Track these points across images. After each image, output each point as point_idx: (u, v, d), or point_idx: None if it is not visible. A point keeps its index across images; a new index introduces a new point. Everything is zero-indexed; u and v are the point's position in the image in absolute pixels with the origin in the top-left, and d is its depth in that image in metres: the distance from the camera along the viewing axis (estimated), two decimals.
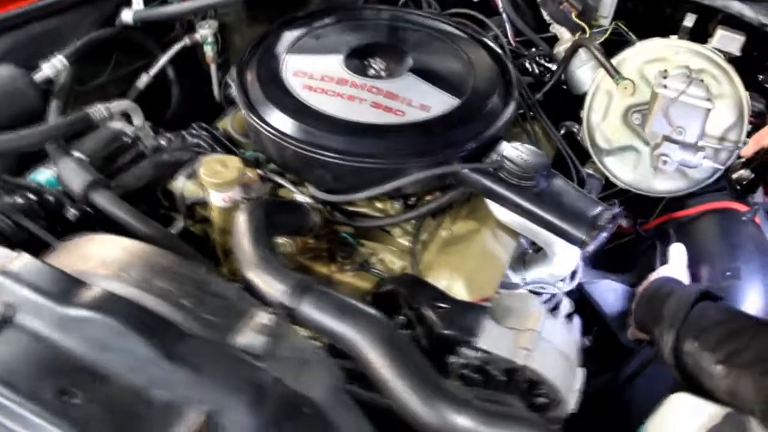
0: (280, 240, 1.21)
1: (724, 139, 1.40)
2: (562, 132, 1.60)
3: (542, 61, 1.65)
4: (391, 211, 1.27)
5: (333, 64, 1.31)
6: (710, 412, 0.90)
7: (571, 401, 0.99)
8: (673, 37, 1.42)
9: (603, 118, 1.48)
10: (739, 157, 1.32)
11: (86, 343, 0.72)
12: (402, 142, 1.18)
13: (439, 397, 0.80)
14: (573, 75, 1.55)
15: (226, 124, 1.39)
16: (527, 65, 1.65)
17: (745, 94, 1.38)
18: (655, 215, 1.53)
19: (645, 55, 1.41)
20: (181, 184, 1.27)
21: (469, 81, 1.30)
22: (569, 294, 1.43)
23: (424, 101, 1.24)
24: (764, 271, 1.20)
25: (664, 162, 1.26)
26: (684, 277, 1.23)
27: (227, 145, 1.35)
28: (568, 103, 1.59)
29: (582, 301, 1.47)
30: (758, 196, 1.35)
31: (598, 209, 1.13)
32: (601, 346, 1.39)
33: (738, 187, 1.17)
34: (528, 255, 1.43)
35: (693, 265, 1.31)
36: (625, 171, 1.50)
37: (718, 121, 1.39)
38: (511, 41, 1.61)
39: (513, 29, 1.62)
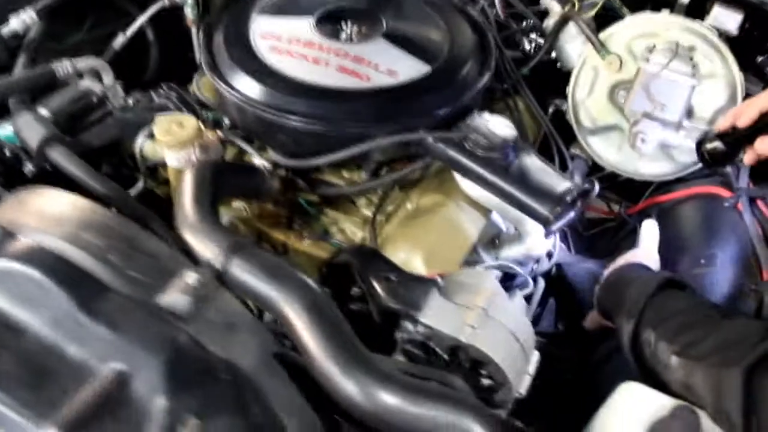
0: (236, 204, 1.17)
1: (714, 122, 1.32)
2: (551, 110, 1.54)
3: (533, 36, 1.57)
4: (357, 180, 1.22)
5: (303, 26, 1.26)
6: (660, 403, 0.85)
7: (521, 385, 0.94)
8: (665, 12, 1.34)
9: (588, 95, 1.41)
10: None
11: (7, 294, 0.69)
12: (364, 107, 1.13)
13: (362, 369, 0.75)
14: (563, 50, 1.49)
15: (196, 87, 1.34)
16: (518, 39, 1.58)
17: (739, 75, 1.30)
18: (643, 199, 1.46)
19: (634, 30, 1.34)
20: (140, 144, 1.23)
21: (443, 48, 1.24)
22: (545, 275, 1.38)
23: (393, 66, 1.18)
24: (739, 259, 1.13)
25: (642, 140, 1.20)
26: (654, 259, 1.16)
27: (195, 108, 1.31)
28: (559, 80, 1.52)
29: (560, 285, 1.41)
30: (742, 181, 1.27)
31: (567, 185, 1.07)
32: (577, 330, 1.33)
33: (709, 159, 1.10)
34: (503, 234, 1.38)
35: (671, 250, 1.24)
36: (609, 151, 1.43)
37: (709, 102, 1.32)
38: (500, 13, 1.54)
39: (503, 1, 1.55)
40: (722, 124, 1.09)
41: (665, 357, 0.89)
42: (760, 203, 1.21)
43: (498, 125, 1.10)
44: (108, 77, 1.45)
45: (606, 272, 1.13)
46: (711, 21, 1.34)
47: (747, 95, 1.34)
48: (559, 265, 1.40)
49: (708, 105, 1.32)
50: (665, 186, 1.43)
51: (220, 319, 0.81)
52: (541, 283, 1.27)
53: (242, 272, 0.83)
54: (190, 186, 0.98)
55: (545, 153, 1.44)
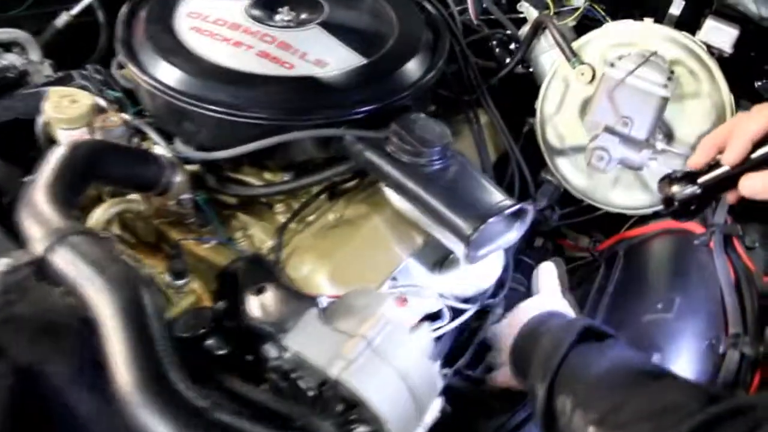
0: (132, 196, 1.03)
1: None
2: (526, 129, 1.38)
3: (512, 46, 1.42)
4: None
5: (235, 8, 1.13)
6: None
7: None
8: (648, 20, 1.17)
9: (557, 110, 1.24)
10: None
11: None
12: (278, 95, 0.99)
13: (164, 401, 0.60)
14: (537, 61, 1.33)
15: (115, 68, 1.21)
16: (496, 51, 1.42)
17: (729, 97, 1.12)
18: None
19: (611, 39, 1.17)
20: (41, 123, 1.10)
21: (386, 42, 1.09)
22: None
23: (323, 56, 1.04)
24: (702, 308, 0.94)
25: (600, 158, 1.02)
26: (561, 303, 0.97)
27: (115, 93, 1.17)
28: (534, 95, 1.36)
29: None
30: (719, 216, 1.08)
31: (498, 201, 0.90)
32: None
33: (678, 207, 0.86)
34: (449, 259, 1.21)
35: (628, 292, 1.06)
36: (578, 176, 1.26)
37: (692, 124, 1.14)
38: (473, 18, 1.39)
39: (477, 6, 1.40)
40: (696, 159, 0.84)
41: (581, 427, 0.71)
42: (737, 243, 1.01)
43: (429, 128, 0.95)
44: (35, 53, 1.34)
45: (511, 325, 0.95)
46: (702, 36, 1.17)
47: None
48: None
49: (691, 128, 1.14)
50: (643, 221, 1.25)
51: (32, 316, 0.67)
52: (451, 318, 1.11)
53: (62, 261, 0.69)
54: (54, 162, 0.84)
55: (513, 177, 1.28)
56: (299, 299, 0.80)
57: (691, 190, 0.84)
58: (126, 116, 1.07)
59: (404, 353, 0.78)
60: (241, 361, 0.82)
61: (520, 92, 1.37)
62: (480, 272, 1.14)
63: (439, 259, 1.21)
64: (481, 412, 1.03)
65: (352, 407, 0.73)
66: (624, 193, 1.22)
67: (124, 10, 1.14)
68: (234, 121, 0.97)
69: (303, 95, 0.99)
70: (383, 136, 0.96)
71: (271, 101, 0.98)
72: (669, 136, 1.14)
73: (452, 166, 0.95)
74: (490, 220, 0.87)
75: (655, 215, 1.22)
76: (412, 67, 1.07)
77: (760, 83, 1.21)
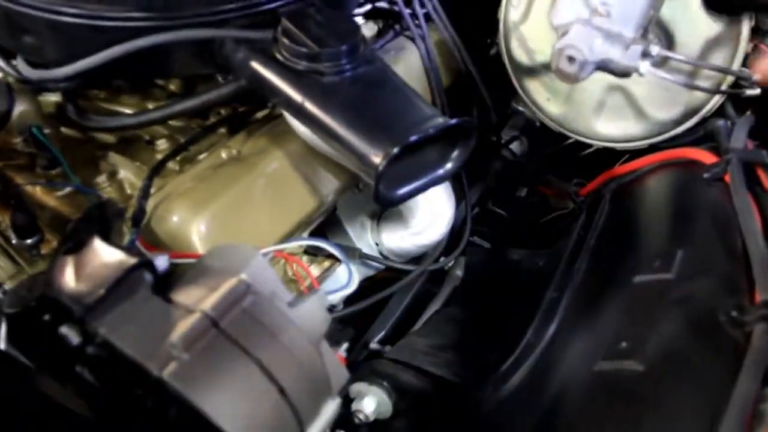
0: None
1: (706, 58, 0.89)
2: (494, 51, 1.12)
3: None
4: None
5: None
6: None
7: None
8: None
9: (524, 18, 0.98)
10: None
11: None
12: None
13: None
14: None
15: None
16: None
17: None
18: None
19: None
20: None
21: None
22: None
23: None
24: (712, 265, 0.67)
25: (570, 58, 0.75)
26: None
27: None
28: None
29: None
30: (737, 140, 0.82)
31: (425, 118, 0.65)
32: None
33: None
34: (385, 214, 0.97)
35: (618, 246, 0.80)
36: (553, 101, 1.01)
37: (696, 29, 0.88)
38: None
39: None
40: None
41: None
42: (762, 174, 0.75)
43: (331, 23, 0.69)
44: None
45: None
46: None
47: (757, 29, 0.89)
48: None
49: (696, 31, 0.87)
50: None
51: None
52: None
53: None
54: None
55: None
56: (123, 260, 0.55)
57: None
58: None
59: (275, 334, 0.54)
60: None
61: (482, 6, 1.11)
62: (421, 226, 0.90)
63: (377, 211, 0.97)
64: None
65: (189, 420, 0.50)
66: (612, 121, 0.97)
67: None
68: (84, 24, 0.72)
69: None
70: (271, 37, 0.70)
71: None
72: (669, 40, 0.87)
73: (364, 73, 0.69)
74: (410, 141, 0.62)
75: (651, 149, 0.96)
76: None
77: None
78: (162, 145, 0.86)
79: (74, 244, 0.58)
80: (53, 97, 0.87)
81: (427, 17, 1.03)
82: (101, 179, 0.82)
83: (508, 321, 0.86)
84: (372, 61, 0.71)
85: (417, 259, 0.98)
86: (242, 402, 0.50)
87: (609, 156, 1.05)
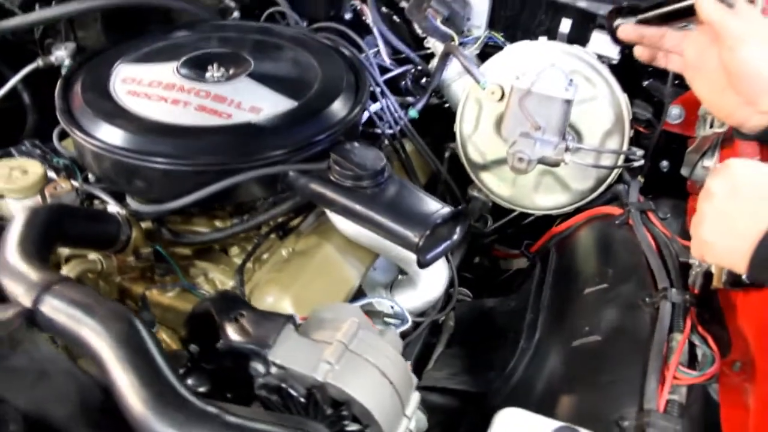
0: (91, 256, 1.06)
1: (603, 144, 1.29)
2: (447, 154, 1.49)
3: (422, 80, 1.54)
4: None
5: (166, 71, 1.19)
6: (540, 425, 0.77)
7: (396, 429, 0.83)
8: (543, 39, 1.31)
9: (474, 129, 1.36)
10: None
11: None
12: (222, 143, 1.05)
13: (177, 410, 0.64)
14: (449, 90, 1.45)
15: (56, 139, 1.25)
16: (406, 84, 1.54)
17: (623, 97, 1.27)
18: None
19: (514, 59, 1.31)
20: None
21: (312, 85, 1.18)
22: None
23: (256, 103, 1.12)
24: (631, 273, 1.05)
25: (520, 159, 1.13)
26: None
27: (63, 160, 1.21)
28: (451, 122, 1.48)
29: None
30: (632, 196, 1.22)
31: (437, 209, 1.00)
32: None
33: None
34: (396, 281, 1.29)
35: (570, 275, 1.17)
36: (502, 186, 1.38)
37: (595, 124, 1.28)
38: (386, 58, 1.50)
39: (388, 47, 1.52)
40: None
41: None
42: (652, 216, 1.14)
43: (364, 154, 1.04)
44: None
45: None
46: (592, 47, 1.32)
47: (635, 119, 1.31)
48: None
49: (595, 127, 1.28)
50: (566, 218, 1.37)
51: (28, 366, 0.71)
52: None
53: (51, 310, 0.73)
54: (18, 225, 0.88)
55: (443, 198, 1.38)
56: (275, 318, 0.86)
57: (631, 21, 1.03)
58: (75, 183, 1.11)
59: (380, 352, 0.85)
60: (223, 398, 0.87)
61: (437, 121, 1.49)
62: (426, 287, 1.23)
63: (389, 282, 1.30)
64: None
65: (341, 407, 0.80)
66: (546, 195, 1.35)
67: (60, 84, 1.19)
68: (183, 171, 1.03)
69: (244, 140, 1.06)
70: (325, 167, 1.04)
71: (215, 149, 1.05)
72: (579, 135, 1.27)
73: (390, 185, 1.03)
74: (435, 223, 0.96)
75: (576, 211, 1.35)
76: (339, 106, 1.15)
77: (646, 83, 1.36)
78: (234, 251, 1.16)
79: (234, 316, 0.88)
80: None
81: (403, 134, 1.40)
82: (200, 280, 1.12)
83: (499, 344, 1.19)
84: (392, 175, 1.05)
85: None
86: (372, 391, 0.81)
87: (546, 220, 1.43)
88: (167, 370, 0.68)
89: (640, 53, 1.05)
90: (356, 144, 1.07)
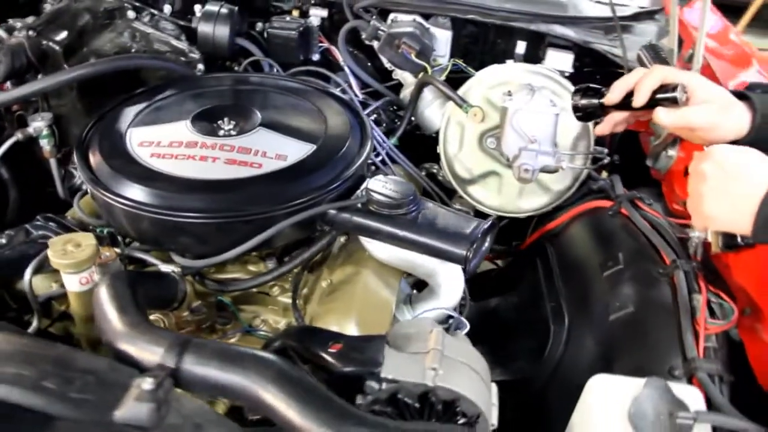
0: (152, 317, 1.11)
1: (576, 148, 1.46)
2: (423, 173, 1.62)
3: (392, 109, 1.67)
4: (263, 272, 1.21)
5: (180, 129, 1.25)
6: (632, 384, 0.91)
7: (492, 416, 0.95)
8: (509, 62, 1.48)
9: (459, 149, 1.50)
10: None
11: None
12: (262, 192, 1.13)
13: (352, 422, 0.74)
14: (423, 116, 1.58)
15: (75, 210, 1.27)
16: (379, 115, 1.66)
17: None
18: (529, 234, 1.56)
19: (487, 82, 1.46)
20: (28, 280, 1.14)
21: (321, 128, 1.28)
22: None
23: (280, 151, 1.20)
24: (640, 252, 1.22)
25: (526, 170, 1.29)
26: None
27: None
28: (424, 146, 1.61)
29: None
30: (618, 189, 1.40)
31: (474, 224, 1.12)
32: None
33: (584, 114, 1.23)
34: (414, 296, 1.40)
35: (572, 268, 1.33)
36: (490, 197, 1.52)
37: (566, 132, 1.45)
38: (358, 94, 1.62)
39: (358, 82, 1.64)
40: (611, 97, 1.19)
41: None
42: (640, 203, 1.32)
43: (396, 183, 1.15)
44: None
45: None
46: (547, 64, 1.49)
47: (596, 123, 1.49)
48: None
49: (566, 133, 1.45)
50: (548, 217, 1.53)
51: (183, 422, 0.77)
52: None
53: (197, 366, 0.79)
54: (107, 298, 0.92)
55: None
56: (370, 340, 0.96)
57: (594, 101, 1.22)
58: (116, 249, 1.15)
59: (465, 352, 0.97)
60: None
61: (411, 145, 1.63)
62: (447, 295, 1.35)
63: (406, 298, 1.40)
64: None
65: (449, 404, 0.91)
66: (530, 199, 1.51)
67: (75, 154, 1.22)
68: (233, 223, 1.10)
69: (283, 186, 1.14)
70: (363, 200, 1.14)
71: (258, 198, 1.12)
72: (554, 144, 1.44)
73: (424, 208, 1.15)
74: (477, 236, 1.09)
75: (557, 209, 1.51)
76: (353, 142, 1.26)
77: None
78: (276, 291, 1.23)
79: (331, 346, 0.96)
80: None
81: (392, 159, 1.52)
82: (256, 322, 1.19)
83: (519, 335, 1.34)
84: (424, 201, 1.17)
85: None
86: (471, 386, 0.92)
87: (517, 223, 1.59)
88: (329, 393, 0.77)
89: (601, 130, 1.24)
90: (383, 176, 1.17)
